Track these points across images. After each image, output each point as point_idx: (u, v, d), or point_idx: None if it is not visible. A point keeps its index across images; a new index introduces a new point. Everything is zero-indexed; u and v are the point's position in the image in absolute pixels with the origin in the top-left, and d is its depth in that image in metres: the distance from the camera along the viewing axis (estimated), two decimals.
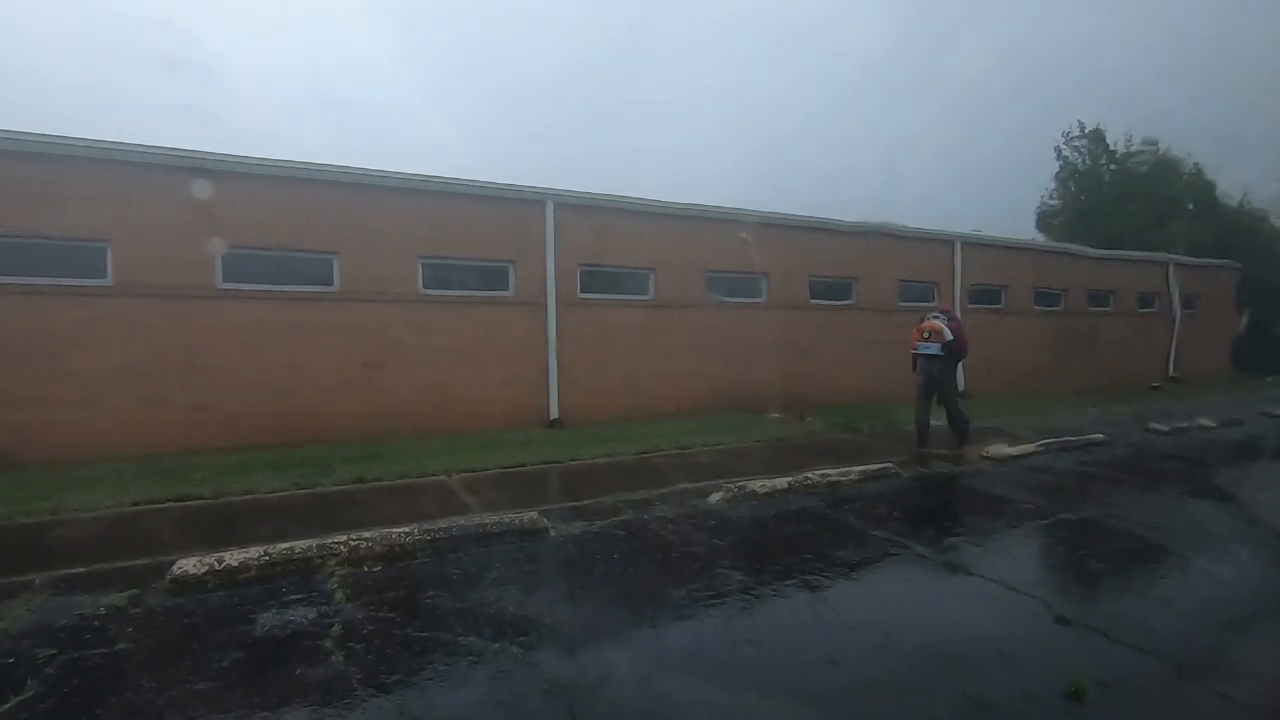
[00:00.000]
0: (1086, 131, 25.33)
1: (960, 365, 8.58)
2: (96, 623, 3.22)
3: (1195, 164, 24.10)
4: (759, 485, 5.78)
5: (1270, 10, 48.07)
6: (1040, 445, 7.97)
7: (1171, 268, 18.89)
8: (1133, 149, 24.69)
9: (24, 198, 7.34)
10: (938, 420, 8.40)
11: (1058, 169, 26.00)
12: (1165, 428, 9.58)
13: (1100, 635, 3.21)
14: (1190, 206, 23.18)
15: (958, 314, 8.81)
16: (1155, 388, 16.28)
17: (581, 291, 10.73)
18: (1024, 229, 26.58)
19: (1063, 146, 25.76)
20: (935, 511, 5.74)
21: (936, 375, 8.32)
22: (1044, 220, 26.54)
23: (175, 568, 3.73)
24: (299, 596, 3.57)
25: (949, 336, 8.21)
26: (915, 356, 8.53)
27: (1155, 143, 24.57)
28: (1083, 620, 3.36)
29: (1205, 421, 10.09)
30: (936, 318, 8.48)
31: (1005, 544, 4.70)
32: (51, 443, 7.31)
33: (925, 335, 8.40)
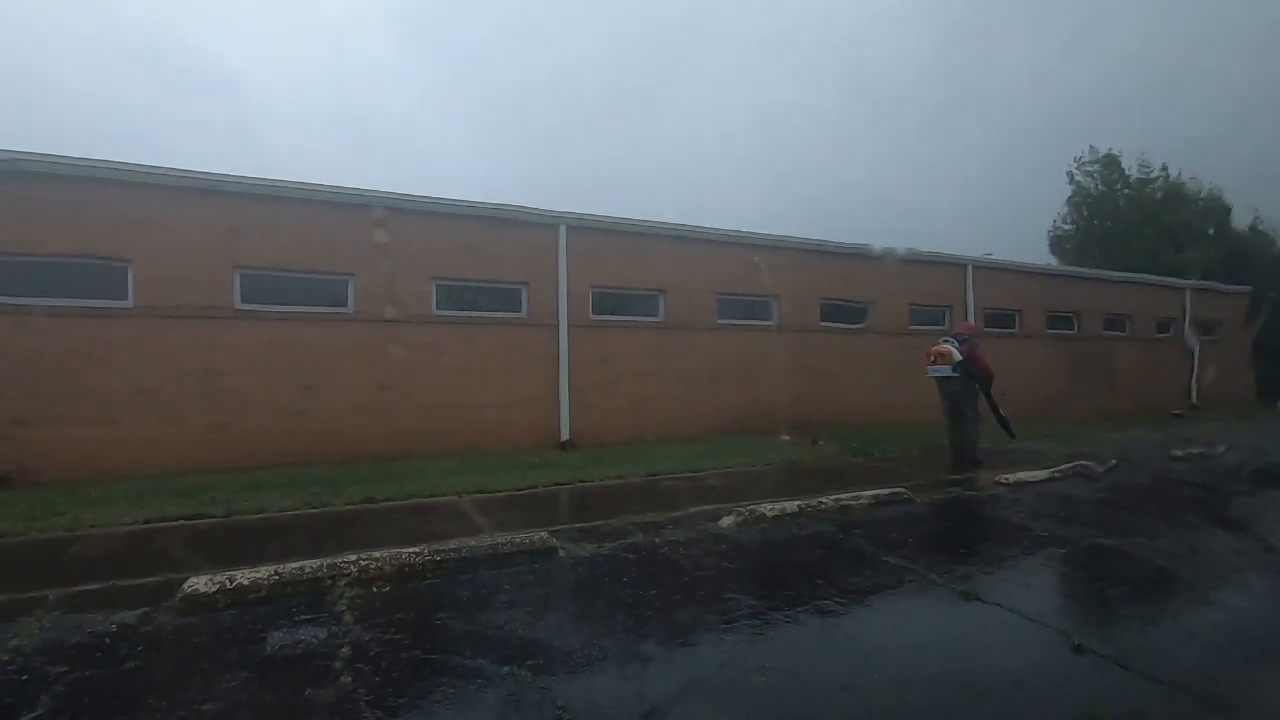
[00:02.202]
0: (1099, 156, 25.34)
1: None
2: (108, 640, 3.23)
3: (1210, 188, 24.06)
4: (770, 509, 5.73)
5: None
6: (1057, 471, 7.85)
7: (1188, 293, 18.72)
8: (1150, 174, 24.66)
9: (46, 219, 7.53)
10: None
11: (1070, 193, 26.00)
12: (1183, 454, 9.43)
13: (1118, 666, 3.14)
14: (1211, 232, 23.05)
15: (978, 335, 8.93)
16: (1176, 415, 16.02)
17: (594, 313, 10.79)
18: (1037, 253, 26.54)
19: (1075, 171, 25.81)
20: (949, 537, 5.66)
21: (953, 395, 8.40)
22: (1057, 244, 26.50)
23: (186, 586, 3.74)
24: (308, 616, 3.57)
25: (957, 358, 8.27)
26: (936, 380, 8.64)
27: (1167, 168, 24.57)
28: (1100, 650, 3.29)
29: (1224, 448, 9.92)
30: (947, 342, 8.55)
31: (1021, 571, 4.62)
32: (71, 461, 7.41)
33: (932, 359, 8.52)
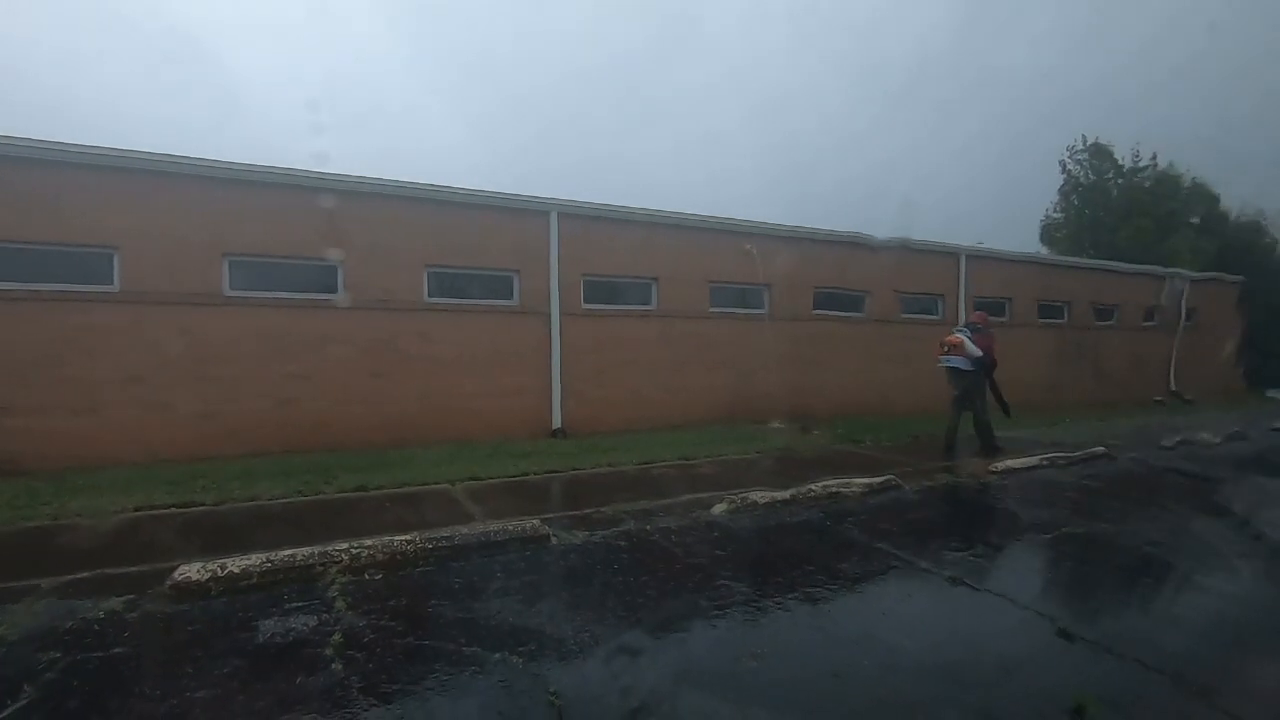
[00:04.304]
0: (1089, 145, 25.36)
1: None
2: (97, 628, 3.22)
3: (1194, 178, 24.18)
4: (762, 496, 5.76)
5: None
6: (1046, 459, 7.92)
7: (1181, 282, 18.82)
8: (1140, 164, 24.71)
9: (32, 204, 7.41)
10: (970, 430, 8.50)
11: (1061, 182, 26.03)
12: (1170, 442, 9.53)
13: (1105, 651, 3.18)
14: (1195, 221, 23.15)
15: (988, 325, 8.89)
16: (1160, 402, 16.18)
17: (585, 302, 10.75)
18: (1030, 244, 26.58)
19: (1067, 160, 25.80)
20: (939, 525, 5.70)
21: (965, 388, 8.40)
22: (1048, 233, 26.55)
23: (177, 574, 3.72)
24: (300, 604, 3.56)
25: (970, 350, 8.26)
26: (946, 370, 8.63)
27: (1156, 157, 24.61)
28: (1087, 636, 3.33)
29: (1210, 436, 10.03)
30: (961, 331, 8.51)
31: (1009, 558, 4.67)
32: (57, 449, 7.34)
33: (945, 350, 8.47)
